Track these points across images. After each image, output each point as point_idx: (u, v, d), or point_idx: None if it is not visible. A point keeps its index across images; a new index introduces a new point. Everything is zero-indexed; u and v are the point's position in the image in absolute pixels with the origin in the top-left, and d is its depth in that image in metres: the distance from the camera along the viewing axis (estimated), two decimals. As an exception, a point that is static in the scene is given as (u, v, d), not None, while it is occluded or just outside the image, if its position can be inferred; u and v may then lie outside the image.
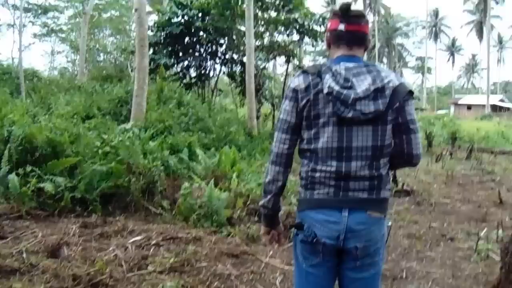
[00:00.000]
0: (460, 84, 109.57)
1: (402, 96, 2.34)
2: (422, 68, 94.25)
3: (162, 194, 6.98)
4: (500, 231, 6.58)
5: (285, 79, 22.03)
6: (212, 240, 5.70)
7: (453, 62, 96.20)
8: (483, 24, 77.65)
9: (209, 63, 20.81)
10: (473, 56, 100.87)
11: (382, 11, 67.14)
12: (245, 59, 20.92)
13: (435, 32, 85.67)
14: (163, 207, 6.77)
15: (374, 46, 69.83)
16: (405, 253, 6.08)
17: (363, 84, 2.27)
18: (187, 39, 19.16)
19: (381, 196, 2.39)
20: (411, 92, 2.40)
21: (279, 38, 20.41)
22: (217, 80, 22.21)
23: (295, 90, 2.39)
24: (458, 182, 11.44)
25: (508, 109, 62.58)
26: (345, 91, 2.25)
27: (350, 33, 2.45)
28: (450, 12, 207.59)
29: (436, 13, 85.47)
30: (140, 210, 6.81)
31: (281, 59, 21.94)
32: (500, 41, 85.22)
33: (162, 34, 18.40)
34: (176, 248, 5.31)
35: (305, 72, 2.42)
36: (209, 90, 21.26)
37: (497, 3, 66.87)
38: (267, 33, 20.16)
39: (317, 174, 2.36)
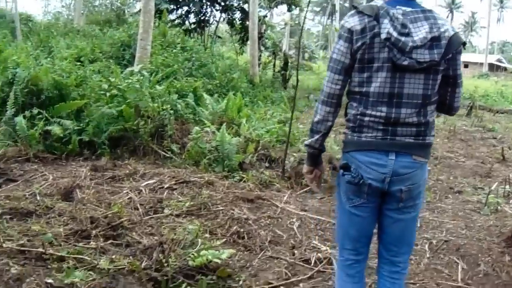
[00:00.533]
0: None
1: (455, 47, 2.31)
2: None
3: (171, 138, 6.84)
4: (508, 186, 6.57)
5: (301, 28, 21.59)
6: (225, 185, 5.63)
7: (452, 19, 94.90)
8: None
9: (209, 9, 20.44)
10: (473, 14, 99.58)
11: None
12: (245, 6, 20.60)
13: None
14: (172, 151, 6.66)
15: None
16: None
17: (420, 32, 2.21)
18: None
19: (426, 141, 2.39)
20: (464, 43, 2.37)
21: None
22: (216, 27, 21.87)
23: (350, 31, 2.29)
24: (461, 138, 11.33)
25: (505, 69, 62.06)
26: (403, 38, 2.18)
27: None
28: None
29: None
30: (149, 154, 6.70)
31: (282, 8, 21.67)
32: (501, 0, 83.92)
33: (164, -22, 17.95)
34: (190, 192, 5.23)
35: (360, 12, 2.31)
36: (208, 37, 20.92)
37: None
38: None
39: (366, 118, 2.34)
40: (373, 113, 2.32)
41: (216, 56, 15.93)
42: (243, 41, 21.37)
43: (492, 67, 61.68)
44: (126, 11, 24.10)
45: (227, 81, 12.80)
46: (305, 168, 2.69)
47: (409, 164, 2.35)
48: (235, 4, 20.92)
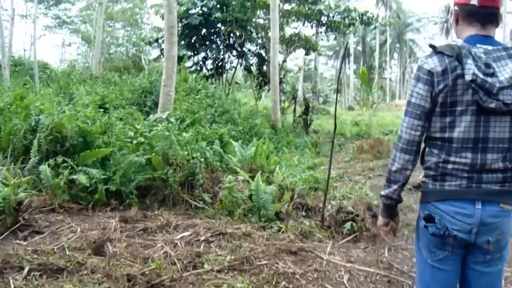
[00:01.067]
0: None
1: None
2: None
3: (202, 187, 6.52)
4: None
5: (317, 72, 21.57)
6: (264, 236, 5.26)
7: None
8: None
9: (226, 55, 20.46)
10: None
11: (394, 6, 66.42)
12: (262, 51, 20.62)
13: (447, 28, 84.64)
14: (204, 201, 6.33)
15: (385, 41, 69.19)
16: None
17: (505, 71, 2.08)
18: (204, 30, 18.76)
19: None
20: None
21: (300, 30, 20.09)
22: (234, 73, 21.85)
23: (430, 73, 2.17)
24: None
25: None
26: (489, 79, 2.05)
27: (484, 9, 2.23)
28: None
29: (447, 9, 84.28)
30: (180, 204, 6.38)
31: (299, 52, 21.65)
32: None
33: (180, 25, 17.98)
34: (228, 245, 4.87)
35: (439, 52, 2.18)
36: (225, 83, 20.88)
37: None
38: (287, 26, 19.83)
39: (450, 166, 2.21)
40: (458, 160, 2.19)
41: (236, 102, 15.76)
42: (261, 86, 21.31)
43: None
44: (142, 58, 24.22)
45: (250, 127, 12.57)
46: (380, 220, 2.55)
47: (496, 213, 2.19)
48: (253, 49, 20.96)
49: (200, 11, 17.70)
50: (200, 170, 6.53)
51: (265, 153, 8.83)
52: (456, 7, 2.32)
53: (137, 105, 11.24)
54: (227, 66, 20.95)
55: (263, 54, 20.69)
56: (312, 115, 18.15)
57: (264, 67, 20.37)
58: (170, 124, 7.39)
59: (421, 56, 2.31)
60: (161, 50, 18.60)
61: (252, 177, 6.75)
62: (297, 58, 37.82)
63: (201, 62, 19.73)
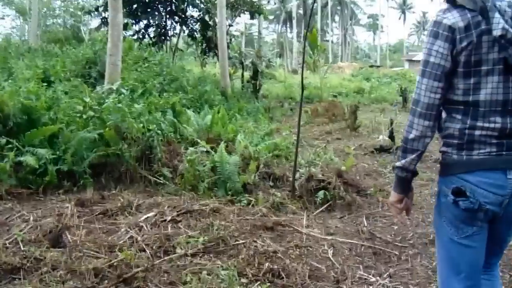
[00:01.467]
0: (411, 42, 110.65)
1: None
2: (373, 26, 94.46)
3: (160, 162, 6.09)
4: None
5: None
6: (234, 211, 4.92)
7: (404, 19, 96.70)
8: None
9: (168, 22, 19.72)
10: (424, 13, 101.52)
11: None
12: (206, 17, 19.97)
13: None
14: (164, 176, 5.92)
15: (327, 4, 69.13)
16: None
17: None
18: (145, -4, 17.93)
19: None
20: None
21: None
22: (177, 40, 21.14)
23: (451, 29, 1.92)
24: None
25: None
26: None
27: None
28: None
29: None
30: (138, 181, 5.96)
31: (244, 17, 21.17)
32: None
33: (120, -9, 17.10)
34: (198, 224, 4.49)
35: (459, 6, 1.96)
36: (169, 50, 20.17)
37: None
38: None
39: (477, 132, 1.99)
40: (486, 125, 1.97)
41: (184, 69, 15.15)
42: (205, 52, 20.73)
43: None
44: (81, 28, 23.12)
45: (200, 95, 12.09)
46: (394, 196, 2.23)
47: None
48: (196, 15, 20.26)
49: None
50: (158, 143, 6.09)
51: (221, 121, 8.45)
52: None
53: (81, 77, 10.55)
54: (170, 33, 20.20)
55: (207, 20, 20.05)
56: (261, 79, 17.74)
57: (209, 33, 19.74)
58: (122, 96, 6.85)
59: (436, 10, 2.04)
60: (102, 18, 17.69)
61: (212, 148, 6.39)
62: (237, 23, 37.15)
63: (143, 30, 18.90)
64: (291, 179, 6.04)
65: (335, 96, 20.35)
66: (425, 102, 2.02)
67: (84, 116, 6.36)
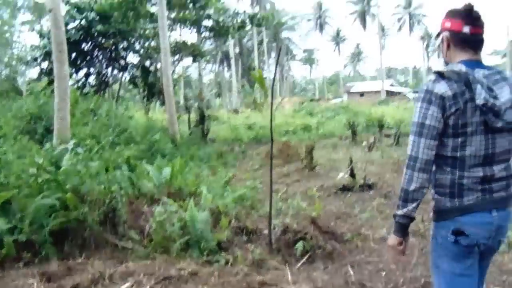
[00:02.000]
0: (346, 73, 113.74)
1: None
2: (309, 60, 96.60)
3: (126, 224, 5.75)
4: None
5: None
6: (213, 273, 4.66)
7: (339, 51, 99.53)
8: (366, 14, 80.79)
9: (109, 69, 19.40)
10: (357, 45, 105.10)
11: (268, 6, 67.48)
12: (147, 62, 19.80)
13: (320, 24, 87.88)
14: (132, 239, 5.57)
15: (262, 41, 70.14)
16: (422, 253, 5.41)
17: (504, 93, 2.34)
18: (84, 45, 17.57)
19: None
20: None
21: (187, 38, 19.52)
22: (119, 87, 20.77)
23: (442, 97, 2.36)
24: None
25: (399, 93, 64.95)
26: (497, 103, 2.30)
27: (475, 36, 2.48)
28: (333, 4, 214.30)
29: (320, 6, 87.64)
30: (104, 246, 5.56)
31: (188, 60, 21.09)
32: (382, 29, 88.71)
33: (58, 41, 16.67)
34: (180, 292, 4.19)
35: (446, 78, 2.40)
36: (110, 98, 19.77)
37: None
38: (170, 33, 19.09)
39: (465, 181, 2.41)
40: (472, 174, 2.41)
41: (131, 118, 14.77)
42: (148, 99, 20.45)
43: (387, 93, 63.98)
44: (18, 80, 22.37)
45: (150, 145, 11.75)
46: (395, 240, 2.57)
47: (507, 216, 2.49)
48: (136, 61, 20.03)
49: (79, 25, 16.44)
50: (122, 204, 5.76)
51: (180, 174, 8.15)
52: (447, 34, 2.53)
53: (27, 134, 10.02)
54: (111, 80, 19.86)
55: (147, 65, 19.86)
56: (208, 123, 17.56)
57: (150, 79, 19.52)
58: (80, 156, 6.49)
59: (427, 80, 2.49)
60: (42, 69, 17.16)
61: (177, 203, 6.10)
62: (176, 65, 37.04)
63: (83, 79, 18.48)
64: (265, 231, 5.84)
65: (284, 135, 20.40)
66: (424, 158, 2.39)
67: (39, 180, 5.95)
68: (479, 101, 2.29)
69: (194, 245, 5.34)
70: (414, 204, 2.45)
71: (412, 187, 2.42)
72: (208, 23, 17.91)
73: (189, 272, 4.63)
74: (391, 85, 72.59)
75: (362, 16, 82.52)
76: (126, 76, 20.22)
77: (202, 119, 17.30)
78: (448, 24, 2.53)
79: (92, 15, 16.31)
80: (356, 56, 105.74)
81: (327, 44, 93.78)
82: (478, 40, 2.50)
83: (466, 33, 2.47)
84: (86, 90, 18.30)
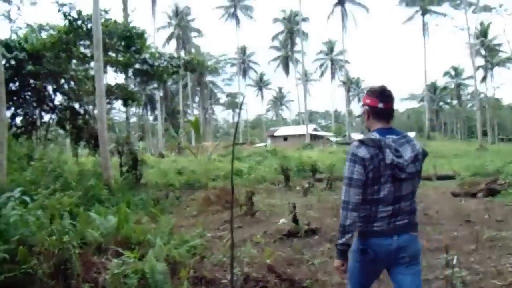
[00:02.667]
0: (269, 117, 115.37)
1: (424, 157, 3.45)
2: (232, 104, 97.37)
3: (78, 276, 5.45)
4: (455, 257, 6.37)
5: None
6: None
7: (262, 96, 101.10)
8: (289, 59, 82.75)
9: (37, 110, 18.75)
10: (280, 89, 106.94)
11: (193, 50, 67.84)
12: (76, 105, 19.30)
13: (244, 69, 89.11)
14: (87, 293, 5.29)
15: (186, 85, 70.23)
16: None
17: (407, 152, 3.34)
18: (11, 85, 16.91)
19: (415, 221, 3.50)
20: (427, 154, 3.50)
21: (118, 80, 19.23)
22: (47, 129, 20.06)
23: (363, 159, 3.30)
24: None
25: (322, 137, 66.35)
26: (400, 160, 3.29)
27: (387, 110, 3.46)
28: (257, 49, 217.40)
29: (244, 51, 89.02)
30: (56, 302, 5.25)
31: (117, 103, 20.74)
32: (305, 74, 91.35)
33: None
34: None
35: (366, 144, 3.33)
36: (38, 141, 19.05)
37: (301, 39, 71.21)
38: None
39: (378, 215, 3.37)
40: (383, 209, 3.37)
41: (65, 163, 14.23)
42: (76, 142, 19.84)
43: (311, 136, 64.95)
44: None
45: (85, 191, 11.32)
46: (338, 263, 3.48)
47: (407, 238, 3.41)
48: (65, 103, 19.45)
49: (8, 64, 15.83)
50: (75, 256, 5.48)
51: (125, 221, 7.87)
52: (367, 107, 3.50)
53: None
54: (38, 122, 19.18)
55: (77, 107, 19.36)
56: (140, 168, 17.18)
57: (79, 121, 19.00)
58: (30, 204, 6.15)
59: (352, 144, 3.51)
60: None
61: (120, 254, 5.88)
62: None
63: (9, 120, 17.75)
64: (223, 281, 5.74)
65: (213, 180, 20.26)
66: (354, 202, 3.31)
67: (-16, 232, 5.59)
68: (388, 160, 3.26)
69: (155, 298, 5.14)
70: (350, 235, 3.35)
71: (348, 222, 3.31)
72: (141, 67, 17.69)
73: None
74: (314, 129, 74.22)
75: (285, 62, 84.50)
76: (54, 118, 19.52)
77: (135, 163, 16.90)
78: (368, 101, 3.48)
79: (23, 54, 15.79)
80: (279, 100, 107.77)
81: (249, 89, 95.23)
82: (389, 112, 3.45)
83: (381, 107, 3.42)
84: (12, 131, 17.57)
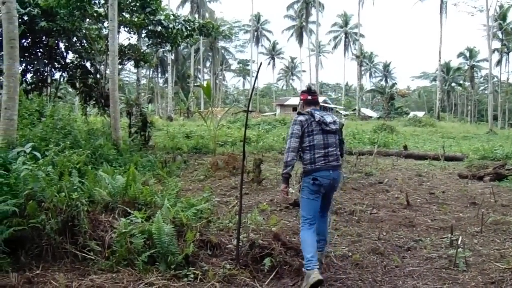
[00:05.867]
0: (279, 86, 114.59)
1: (340, 126, 5.58)
2: (243, 71, 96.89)
3: (86, 234, 5.50)
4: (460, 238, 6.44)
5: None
6: (185, 289, 4.51)
7: (273, 65, 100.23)
8: (303, 30, 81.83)
9: (48, 67, 18.64)
10: (292, 59, 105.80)
11: (207, 15, 67.25)
12: (88, 63, 19.16)
13: (257, 36, 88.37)
14: (93, 251, 5.34)
15: (198, 50, 69.83)
16: (385, 271, 5.62)
17: (328, 118, 5.32)
18: (24, 41, 16.82)
19: (340, 163, 5.38)
20: (343, 125, 6.31)
21: (131, 41, 19.06)
22: (57, 87, 20.00)
23: (301, 121, 5.23)
24: (352, 187, 11.21)
25: (332, 109, 66.00)
26: (324, 119, 5.24)
27: (313, 100, 5.50)
28: (272, 17, 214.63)
29: (258, 18, 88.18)
30: (63, 257, 5.31)
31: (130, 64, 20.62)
32: (319, 45, 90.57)
33: (-4, 35, 15.88)
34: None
35: (303, 114, 5.31)
36: (48, 98, 19.00)
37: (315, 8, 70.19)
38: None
39: (316, 155, 5.18)
40: (319, 152, 5.20)
41: (75, 121, 14.19)
42: (86, 101, 19.75)
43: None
44: None
45: (93, 150, 11.32)
46: (283, 186, 5.28)
47: (338, 174, 5.35)
48: (76, 61, 19.32)
49: (20, 20, 15.71)
50: (83, 214, 5.52)
51: (133, 182, 7.90)
52: (302, 101, 5.50)
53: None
54: (49, 79, 19.10)
55: (88, 66, 19.24)
56: (150, 131, 17.19)
57: (90, 80, 18.89)
58: (40, 161, 6.17)
59: (295, 116, 5.43)
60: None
61: (127, 214, 5.93)
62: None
63: (20, 76, 17.68)
64: (228, 246, 5.79)
65: (222, 145, 20.30)
66: (292, 146, 5.14)
67: (-6, 185, 5.63)
68: (317, 119, 5.21)
69: (161, 259, 5.20)
70: (290, 167, 5.15)
71: (289, 158, 5.13)
72: (155, 29, 17.55)
73: (159, 287, 4.49)
74: (324, 101, 73.82)
75: (299, 32, 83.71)
76: (65, 76, 19.42)
77: (144, 126, 16.91)
78: (301, 96, 5.52)
79: (36, 10, 15.68)
80: (291, 70, 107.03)
81: (262, 57, 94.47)
82: (315, 101, 5.49)
83: (310, 98, 5.47)
84: (22, 87, 17.52)
